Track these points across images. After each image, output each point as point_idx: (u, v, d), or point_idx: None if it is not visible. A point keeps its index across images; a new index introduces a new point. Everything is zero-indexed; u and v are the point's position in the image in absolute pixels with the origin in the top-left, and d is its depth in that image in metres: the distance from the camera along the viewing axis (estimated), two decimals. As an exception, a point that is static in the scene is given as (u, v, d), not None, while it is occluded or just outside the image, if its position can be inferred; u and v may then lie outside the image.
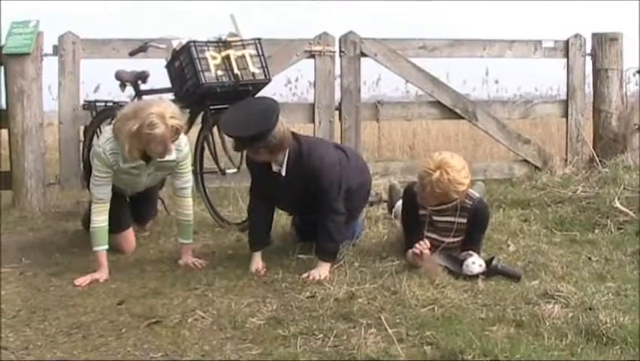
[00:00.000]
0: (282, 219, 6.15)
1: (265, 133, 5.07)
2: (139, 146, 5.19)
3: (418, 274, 4.95)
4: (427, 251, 5.06)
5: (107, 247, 5.28)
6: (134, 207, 6.08)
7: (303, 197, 5.34)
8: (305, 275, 5.07)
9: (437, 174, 5.05)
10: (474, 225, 5.27)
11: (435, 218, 5.28)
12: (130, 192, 5.88)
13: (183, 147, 5.44)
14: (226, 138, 6.42)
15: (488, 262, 5.03)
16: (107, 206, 5.30)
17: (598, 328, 4.00)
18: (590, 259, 5.52)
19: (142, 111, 5.18)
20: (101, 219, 5.27)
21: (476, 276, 4.96)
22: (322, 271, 5.11)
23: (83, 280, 5.06)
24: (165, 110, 5.18)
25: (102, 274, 5.15)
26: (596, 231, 6.25)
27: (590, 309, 4.35)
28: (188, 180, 5.56)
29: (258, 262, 5.33)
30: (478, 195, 5.43)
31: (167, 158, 5.36)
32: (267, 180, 5.37)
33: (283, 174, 5.29)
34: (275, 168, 5.32)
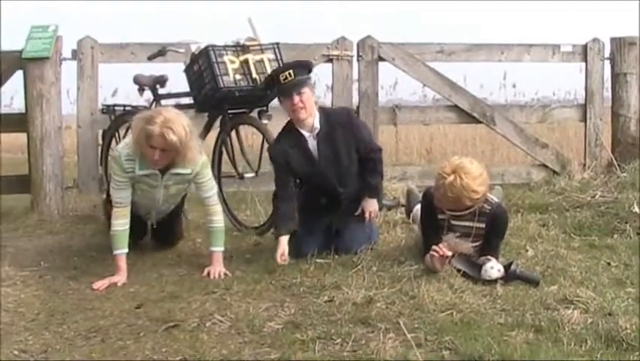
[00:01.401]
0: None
1: (311, 64, 5.79)
2: (135, 140, 5.22)
3: (437, 278, 4.94)
4: (447, 252, 5.03)
5: (126, 250, 5.28)
6: (159, 234, 5.98)
7: (339, 155, 5.61)
8: (359, 211, 5.70)
9: (451, 178, 5.02)
10: (492, 230, 5.24)
11: (453, 223, 5.26)
12: (152, 214, 5.75)
13: (198, 159, 5.38)
14: (244, 141, 6.47)
15: (507, 267, 5.01)
16: (128, 210, 5.32)
17: (618, 333, 3.98)
18: (609, 264, 5.49)
19: (154, 112, 5.29)
20: (121, 222, 5.28)
21: (495, 281, 4.94)
22: (372, 204, 5.73)
23: (101, 284, 5.07)
24: (168, 116, 5.18)
25: (121, 278, 5.16)
26: (615, 236, 6.22)
27: (609, 315, 4.33)
28: (210, 187, 5.50)
29: (283, 247, 5.48)
30: (497, 199, 5.40)
31: (182, 170, 5.35)
32: (299, 157, 5.61)
33: (317, 128, 5.57)
34: (306, 133, 5.60)
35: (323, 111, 5.71)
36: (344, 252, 5.58)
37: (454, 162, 5.13)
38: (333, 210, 5.71)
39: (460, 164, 5.07)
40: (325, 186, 5.69)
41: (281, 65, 5.76)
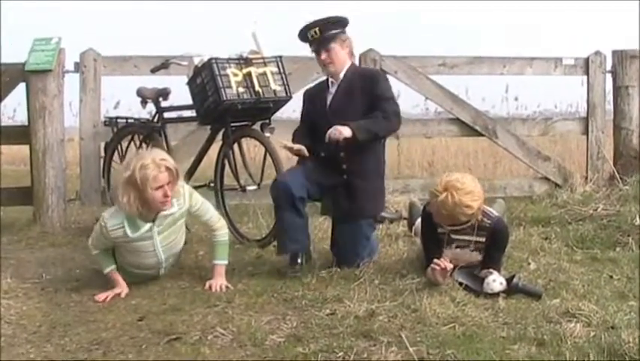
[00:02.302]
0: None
1: (344, 20, 5.77)
2: (136, 194, 5.03)
3: (439, 291, 4.93)
4: (449, 265, 5.03)
5: (114, 266, 5.27)
6: None
7: (348, 110, 5.59)
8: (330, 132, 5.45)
9: (443, 196, 5.03)
10: (493, 244, 5.24)
11: (453, 236, 5.26)
12: (162, 266, 5.43)
13: (182, 192, 5.28)
14: (246, 154, 6.47)
15: (509, 280, 5.01)
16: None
17: (620, 347, 3.97)
18: (611, 277, 5.49)
19: (132, 160, 5.18)
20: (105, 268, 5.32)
21: (497, 294, 4.94)
22: (344, 130, 5.41)
23: (103, 296, 5.07)
24: (155, 154, 5.18)
25: (122, 289, 5.16)
26: (617, 249, 6.22)
27: (612, 328, 4.32)
28: (206, 210, 5.42)
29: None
30: (496, 214, 5.40)
31: (170, 211, 5.21)
32: (315, 102, 5.80)
33: (341, 77, 5.69)
34: (331, 81, 5.75)
35: (354, 66, 5.85)
36: (343, 259, 5.61)
37: (444, 179, 5.13)
38: (336, 173, 5.67)
39: (450, 181, 5.07)
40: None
41: (310, 22, 5.74)
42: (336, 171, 5.64)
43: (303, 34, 5.79)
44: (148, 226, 5.17)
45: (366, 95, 5.63)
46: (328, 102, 5.75)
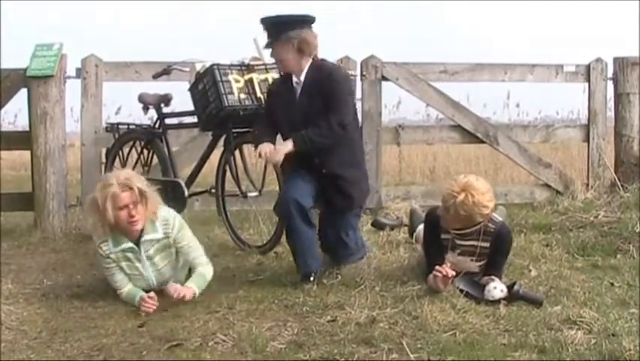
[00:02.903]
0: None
1: (304, 19, 5.66)
2: (99, 216, 4.96)
3: (440, 298, 4.93)
4: (450, 272, 5.03)
5: (141, 293, 5.06)
6: None
7: (314, 109, 5.49)
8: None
9: (462, 196, 5.04)
10: (497, 249, 5.24)
11: (458, 242, 5.26)
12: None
13: (171, 221, 5.16)
14: (247, 160, 6.47)
15: (510, 287, 5.01)
16: (129, 287, 5.14)
17: (621, 354, 3.98)
18: (612, 284, 5.49)
19: (99, 182, 5.15)
20: (125, 290, 5.15)
21: (498, 301, 4.94)
22: (285, 146, 5.49)
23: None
24: (121, 173, 5.13)
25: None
26: (618, 256, 6.21)
27: (613, 335, 4.33)
28: (193, 248, 5.23)
29: (267, 146, 5.58)
30: (500, 219, 5.41)
31: (154, 236, 5.11)
32: (284, 100, 5.66)
33: (302, 79, 5.60)
34: (295, 80, 5.64)
35: (315, 64, 5.63)
36: (331, 249, 5.72)
37: (461, 180, 5.16)
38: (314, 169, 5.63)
39: (467, 182, 5.11)
40: (293, 128, 5.66)
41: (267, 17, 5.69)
42: (313, 167, 5.60)
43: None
44: (130, 244, 5.09)
45: (324, 97, 5.52)
46: (296, 100, 5.65)
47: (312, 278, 5.45)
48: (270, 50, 5.72)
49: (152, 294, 4.99)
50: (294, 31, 5.58)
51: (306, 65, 5.62)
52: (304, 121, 5.51)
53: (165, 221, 5.16)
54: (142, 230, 5.07)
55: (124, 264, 5.12)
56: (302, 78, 5.62)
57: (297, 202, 5.43)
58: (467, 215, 5.09)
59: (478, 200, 5.06)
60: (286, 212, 5.50)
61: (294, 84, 5.67)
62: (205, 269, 5.20)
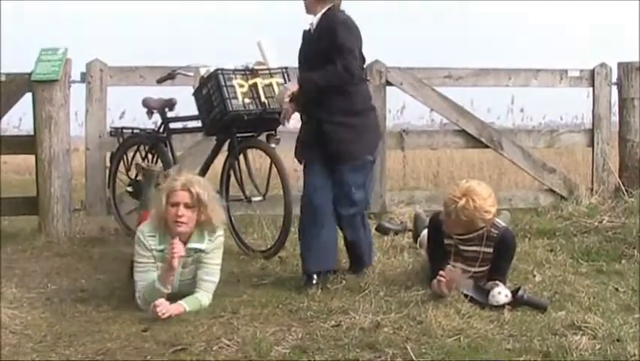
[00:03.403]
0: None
1: None
2: (158, 205, 5.04)
3: (444, 303, 4.93)
4: (452, 275, 5.04)
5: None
6: None
7: (318, 58, 5.53)
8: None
9: (463, 201, 5.05)
10: (500, 254, 5.24)
11: (461, 247, 5.26)
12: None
13: (215, 238, 5.12)
14: (252, 165, 6.48)
15: (514, 292, 5.00)
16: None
17: (626, 360, 3.97)
18: (617, 289, 5.48)
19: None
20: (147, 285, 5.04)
21: (502, 306, 4.93)
22: (291, 85, 5.66)
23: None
24: (189, 175, 5.20)
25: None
26: (623, 261, 6.21)
27: (617, 341, 4.32)
28: (214, 273, 5.13)
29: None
30: (504, 224, 5.40)
31: (198, 245, 5.08)
32: (302, 44, 5.78)
33: (314, 23, 5.66)
34: (309, 24, 5.69)
35: (329, 12, 5.64)
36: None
37: (462, 185, 5.17)
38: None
39: (469, 187, 5.12)
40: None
41: None
42: (309, 123, 5.67)
43: None
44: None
45: (328, 45, 5.53)
46: (307, 44, 5.78)
47: (314, 281, 5.47)
48: None
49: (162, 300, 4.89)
50: None
51: (322, 10, 5.64)
52: (310, 66, 5.60)
53: (214, 237, 5.14)
54: (188, 237, 5.08)
55: (159, 264, 5.04)
56: (314, 22, 5.68)
57: (320, 206, 5.52)
58: (469, 220, 5.09)
59: (480, 205, 5.06)
60: (311, 211, 5.54)
61: (310, 28, 5.74)
62: (204, 296, 5.06)
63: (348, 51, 5.48)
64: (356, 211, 5.65)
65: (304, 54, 5.74)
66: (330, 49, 5.48)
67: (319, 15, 5.64)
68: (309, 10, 5.69)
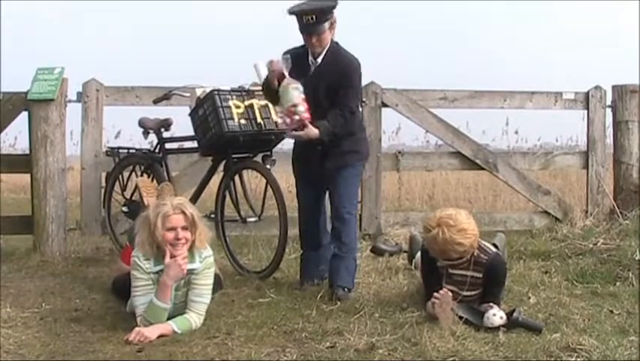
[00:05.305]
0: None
1: (335, 4, 5.89)
2: (148, 234, 4.99)
3: (439, 325, 4.92)
4: (447, 298, 5.03)
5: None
6: None
7: (324, 92, 5.85)
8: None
9: (435, 232, 5.07)
10: (490, 280, 5.24)
11: (450, 271, 5.27)
12: None
13: (204, 258, 5.11)
14: (247, 186, 6.48)
15: (509, 314, 5.00)
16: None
17: (621, 382, 3.97)
18: (611, 312, 5.48)
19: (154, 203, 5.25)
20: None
21: (497, 328, 4.92)
22: (310, 132, 5.76)
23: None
24: (175, 199, 5.18)
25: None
26: (618, 283, 6.21)
27: (612, 363, 4.32)
28: (205, 293, 5.11)
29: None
30: (494, 250, 5.39)
31: (191, 265, 5.05)
32: (298, 71, 5.87)
33: (319, 61, 5.90)
34: (311, 59, 5.92)
35: (333, 47, 5.91)
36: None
37: (437, 215, 5.17)
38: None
39: (442, 218, 5.12)
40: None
41: (306, 6, 5.85)
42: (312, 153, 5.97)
43: (298, 15, 5.84)
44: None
45: (335, 82, 5.81)
46: (311, 73, 5.92)
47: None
48: (314, 37, 5.83)
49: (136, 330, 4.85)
50: (333, 15, 5.90)
51: (329, 43, 5.91)
52: (317, 103, 5.82)
53: (205, 256, 5.14)
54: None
55: (156, 286, 5.02)
56: (319, 60, 5.88)
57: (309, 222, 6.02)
58: (440, 249, 5.12)
59: (451, 237, 5.05)
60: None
61: (310, 62, 5.92)
62: (194, 318, 5.03)
63: (354, 95, 5.97)
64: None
65: (313, 89, 5.84)
66: (339, 87, 5.82)
67: (324, 51, 5.88)
68: (323, 44, 5.87)
